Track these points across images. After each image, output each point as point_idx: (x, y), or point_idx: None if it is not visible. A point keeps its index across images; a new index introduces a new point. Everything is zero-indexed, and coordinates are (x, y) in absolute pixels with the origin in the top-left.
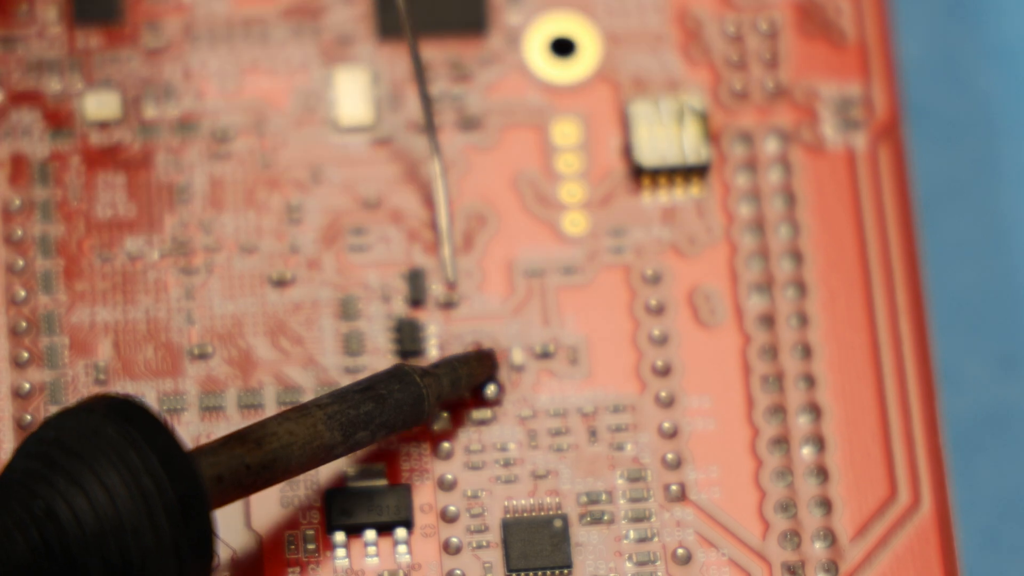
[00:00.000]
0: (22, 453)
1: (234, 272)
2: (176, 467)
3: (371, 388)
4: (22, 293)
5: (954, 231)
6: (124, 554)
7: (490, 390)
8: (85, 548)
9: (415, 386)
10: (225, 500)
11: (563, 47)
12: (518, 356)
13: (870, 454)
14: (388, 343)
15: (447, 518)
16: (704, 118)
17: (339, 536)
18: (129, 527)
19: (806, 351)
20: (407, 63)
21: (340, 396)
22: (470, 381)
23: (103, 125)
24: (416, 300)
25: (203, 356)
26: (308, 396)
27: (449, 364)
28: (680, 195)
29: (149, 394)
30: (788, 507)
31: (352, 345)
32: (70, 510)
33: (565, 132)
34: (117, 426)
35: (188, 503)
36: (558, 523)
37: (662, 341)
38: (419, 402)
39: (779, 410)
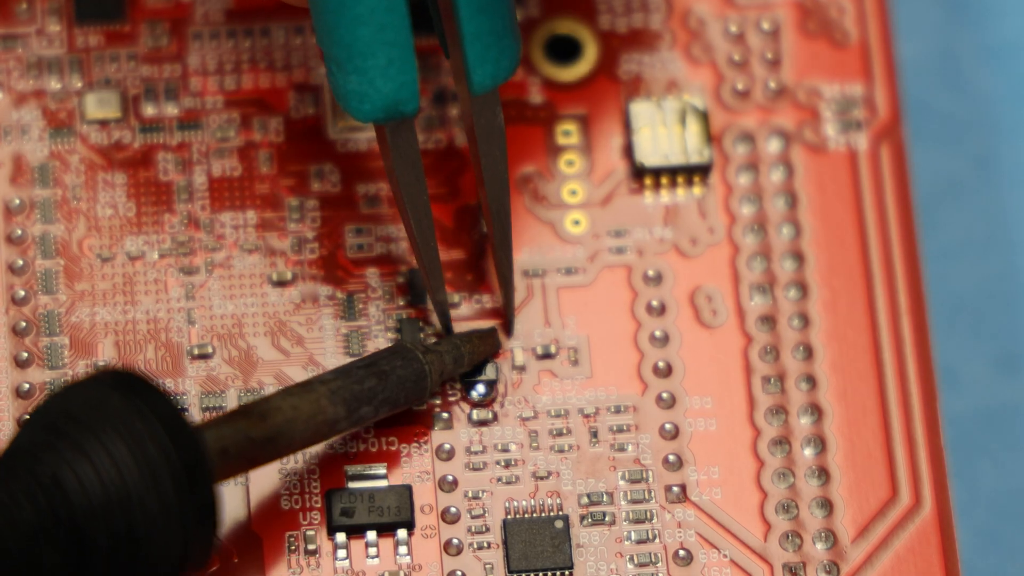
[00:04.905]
0: (29, 423)
1: (234, 272)
2: (181, 437)
3: (374, 364)
4: (22, 293)
5: (954, 231)
6: (130, 522)
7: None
8: (91, 516)
9: (418, 363)
10: (230, 473)
11: (565, 47)
12: (519, 356)
13: (871, 455)
14: (388, 343)
15: (448, 519)
16: (706, 118)
17: (340, 537)
18: (135, 495)
19: (807, 352)
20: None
21: (344, 372)
22: (472, 358)
23: (103, 125)
24: (416, 300)
25: (203, 356)
26: None
27: (451, 342)
28: (682, 195)
29: None
30: (789, 508)
31: (352, 345)
32: (76, 479)
33: (567, 131)
34: (123, 397)
35: (193, 472)
36: (559, 524)
37: (663, 341)
38: (421, 378)
39: (780, 411)
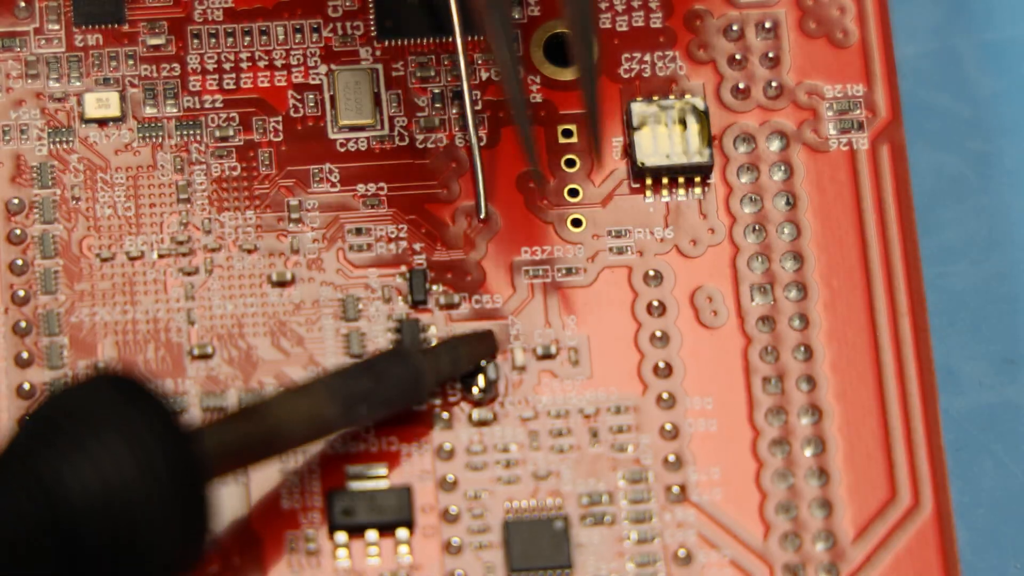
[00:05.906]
0: (29, 421)
1: (234, 272)
2: (179, 439)
3: (371, 366)
4: (22, 293)
5: (954, 231)
6: (129, 521)
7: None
8: (90, 515)
9: (415, 364)
10: (229, 472)
11: (565, 47)
12: (519, 356)
13: (871, 455)
14: (388, 344)
15: (448, 519)
16: (706, 117)
17: (340, 536)
18: (133, 495)
19: (808, 352)
20: (405, 62)
21: (341, 372)
22: (470, 360)
23: (103, 125)
24: (416, 300)
25: (203, 356)
26: None
27: (449, 343)
28: (682, 195)
29: None
30: (789, 508)
31: (353, 345)
32: (75, 478)
33: (567, 131)
34: (122, 398)
35: (190, 473)
36: (559, 524)
37: (664, 342)
38: (418, 379)
39: (780, 411)
